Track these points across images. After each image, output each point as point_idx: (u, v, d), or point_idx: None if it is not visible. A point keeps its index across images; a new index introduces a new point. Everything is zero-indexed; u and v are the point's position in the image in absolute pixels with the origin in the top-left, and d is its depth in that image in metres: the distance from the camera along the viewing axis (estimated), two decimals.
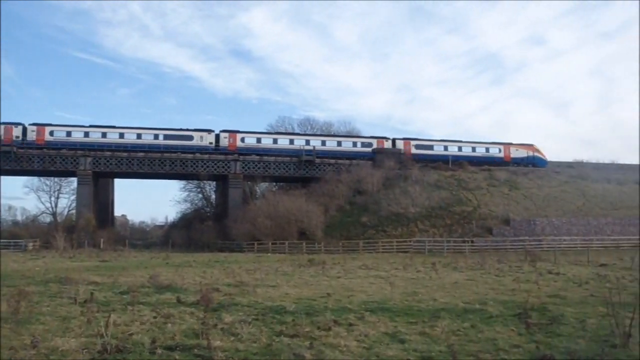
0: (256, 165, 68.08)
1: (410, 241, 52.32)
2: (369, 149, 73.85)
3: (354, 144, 74.78)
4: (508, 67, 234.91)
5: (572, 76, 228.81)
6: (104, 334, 9.78)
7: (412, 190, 60.86)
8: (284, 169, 69.09)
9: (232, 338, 10.42)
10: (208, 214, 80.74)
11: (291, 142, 72.77)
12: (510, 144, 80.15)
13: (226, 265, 32.78)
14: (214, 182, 79.60)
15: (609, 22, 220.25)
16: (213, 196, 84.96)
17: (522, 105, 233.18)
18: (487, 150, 78.52)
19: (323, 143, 73.82)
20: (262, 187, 77.16)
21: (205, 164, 67.03)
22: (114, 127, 69.52)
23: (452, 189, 62.82)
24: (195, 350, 9.37)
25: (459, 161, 73.06)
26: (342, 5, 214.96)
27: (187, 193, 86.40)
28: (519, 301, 15.26)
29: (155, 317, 12.94)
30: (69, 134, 68.18)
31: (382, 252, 49.82)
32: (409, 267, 30.93)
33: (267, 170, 68.25)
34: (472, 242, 52.48)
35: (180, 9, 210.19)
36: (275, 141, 72.16)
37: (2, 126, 66.26)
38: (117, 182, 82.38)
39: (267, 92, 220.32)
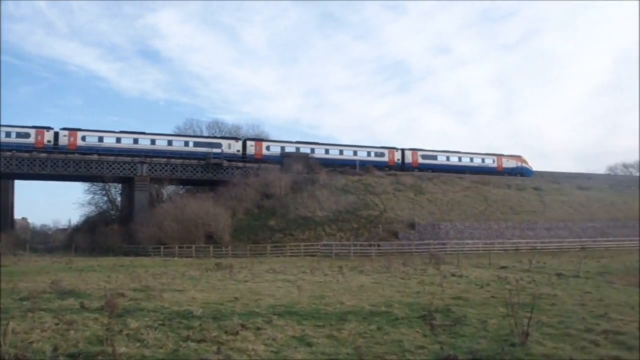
0: (163, 168, 66.96)
1: (317, 245, 52.60)
2: (384, 159, 78.40)
3: (368, 154, 78.31)
4: (415, 74, 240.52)
5: (475, 85, 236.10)
6: (2, 343, 9.41)
7: (320, 194, 61.27)
8: (192, 171, 68.18)
9: (138, 344, 10.25)
10: (113, 217, 78.73)
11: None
12: (502, 155, 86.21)
13: (132, 270, 32.08)
14: (120, 185, 77.95)
15: (510, 35, 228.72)
16: (119, 199, 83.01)
17: (428, 112, 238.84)
18: (483, 160, 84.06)
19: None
20: (169, 189, 75.90)
21: (110, 165, 65.40)
22: (144, 133, 69.90)
23: (359, 193, 63.53)
24: (100, 357, 9.19)
25: (460, 171, 78.73)
26: (252, 8, 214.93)
27: (91, 195, 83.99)
28: (424, 303, 15.60)
29: (57, 324, 12.54)
30: (100, 139, 67.52)
31: (290, 255, 49.82)
32: (317, 271, 31.07)
33: (174, 173, 67.24)
34: (378, 245, 53.21)
35: (87, 7, 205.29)
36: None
37: (34, 130, 65.67)
38: (17, 183, 79.51)
39: (175, 94, 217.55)
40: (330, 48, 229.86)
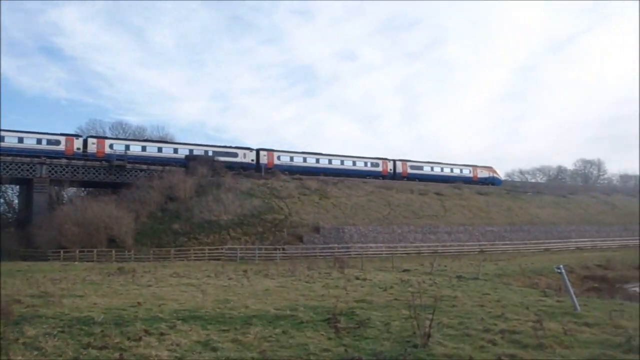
0: (64, 169, 64.82)
1: (222, 249, 52.19)
2: (378, 169, 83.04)
3: (365, 164, 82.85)
4: (321, 80, 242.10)
5: (380, 91, 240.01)
6: None
7: (225, 198, 60.77)
8: (94, 173, 66.28)
9: (36, 353, 9.92)
10: (10, 220, 75.85)
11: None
12: (477, 166, 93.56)
13: (29, 275, 30.91)
14: (18, 187, 75.12)
15: (414, 43, 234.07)
16: (16, 201, 79.97)
17: (334, 117, 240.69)
18: (462, 171, 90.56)
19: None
20: (69, 192, 73.66)
21: (8, 166, 62.81)
22: (166, 142, 74.56)
23: (264, 197, 63.40)
24: None
25: (443, 180, 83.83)
26: (161, 9, 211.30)
27: None
28: (329, 306, 15.74)
29: None
30: (127, 147, 69.36)
31: (194, 259, 49.24)
32: (221, 275, 30.88)
33: (75, 175, 65.18)
34: (283, 249, 53.29)
35: None
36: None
37: (64, 137, 66.67)
38: None
39: (78, 94, 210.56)
40: (238, 51, 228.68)
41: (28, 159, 63.01)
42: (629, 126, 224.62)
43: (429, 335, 10.49)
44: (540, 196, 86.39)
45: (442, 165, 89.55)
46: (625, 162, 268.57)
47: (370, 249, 55.77)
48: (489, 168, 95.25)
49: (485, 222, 70.78)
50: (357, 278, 28.11)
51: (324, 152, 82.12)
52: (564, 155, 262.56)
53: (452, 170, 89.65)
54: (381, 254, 54.56)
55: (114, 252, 50.21)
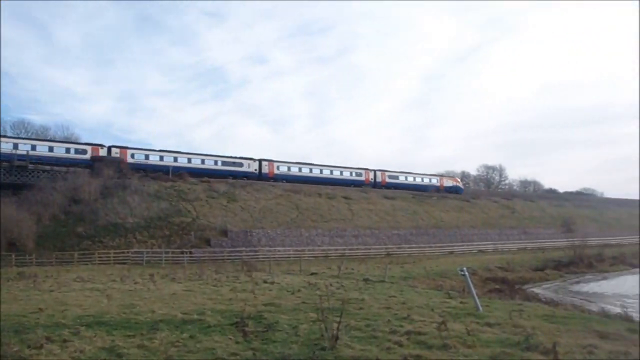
0: None
1: (128, 252, 51.16)
2: (362, 178, 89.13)
3: (351, 174, 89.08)
4: (231, 83, 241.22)
5: (290, 95, 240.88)
6: None
7: (131, 200, 59.53)
8: None
9: None
10: None
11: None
12: (443, 176, 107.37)
13: None
14: None
15: (325, 49, 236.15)
16: None
17: (244, 120, 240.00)
18: (430, 180, 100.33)
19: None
20: None
21: None
22: (180, 152, 76.72)
23: (171, 199, 62.44)
24: None
25: (415, 188, 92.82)
26: (67, 5, 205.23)
27: None
28: (236, 310, 15.68)
29: None
30: (147, 157, 72.81)
31: (99, 263, 48.05)
32: (127, 279, 30.31)
33: None
34: (190, 253, 52.71)
35: None
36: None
37: (90, 147, 69.76)
38: None
39: None
40: (148, 51, 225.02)
41: None
42: (529, 134, 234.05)
43: (336, 338, 10.59)
44: (444, 200, 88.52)
45: (414, 175, 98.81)
46: (525, 168, 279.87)
47: (278, 253, 55.88)
48: (453, 178, 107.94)
49: (392, 225, 71.97)
50: (265, 281, 28.09)
51: (316, 163, 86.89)
52: (468, 161, 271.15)
53: (422, 180, 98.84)
54: (289, 257, 54.76)
55: (13, 256, 48.35)
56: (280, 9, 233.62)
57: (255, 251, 55.09)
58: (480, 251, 71.17)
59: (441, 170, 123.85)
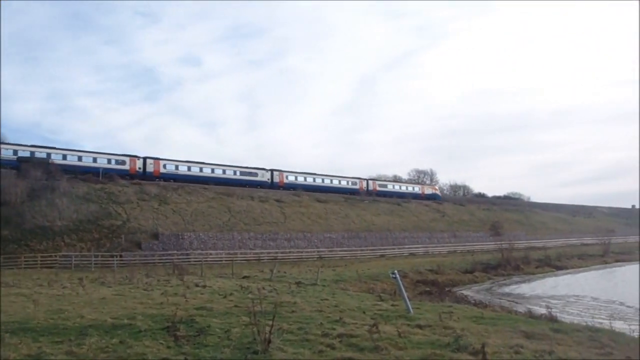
0: None
1: (56, 256, 49.91)
2: (356, 187, 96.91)
3: (347, 182, 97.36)
4: (164, 84, 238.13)
5: (222, 98, 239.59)
6: None
7: (60, 203, 58.03)
8: None
9: None
10: None
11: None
12: (424, 184, 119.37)
13: None
14: None
15: (259, 52, 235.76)
16: None
17: (176, 122, 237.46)
18: (414, 189, 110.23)
19: (323, 180, 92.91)
20: None
21: None
22: (203, 163, 79.83)
23: (102, 202, 61.15)
24: None
25: (400, 196, 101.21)
26: None
27: None
28: (168, 314, 15.51)
29: None
30: (177, 167, 77.02)
31: (25, 268, 46.63)
32: (55, 284, 29.61)
33: None
34: (120, 256, 51.79)
35: None
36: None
37: (128, 158, 73.53)
38: None
39: None
40: (78, 50, 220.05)
41: None
42: (459, 139, 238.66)
43: (269, 341, 10.60)
44: (376, 204, 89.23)
45: (400, 184, 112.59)
46: (455, 173, 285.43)
47: (210, 256, 55.49)
48: (432, 187, 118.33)
49: (324, 229, 72.24)
50: (197, 285, 27.88)
51: (318, 172, 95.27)
52: (399, 165, 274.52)
53: (407, 188, 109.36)
54: (221, 260, 54.46)
55: None
56: (214, 10, 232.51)
57: (187, 254, 54.56)
58: (411, 254, 72.08)
59: (373, 174, 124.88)
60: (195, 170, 77.19)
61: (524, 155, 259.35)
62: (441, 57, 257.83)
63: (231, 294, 22.93)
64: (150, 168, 73.89)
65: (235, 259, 53.29)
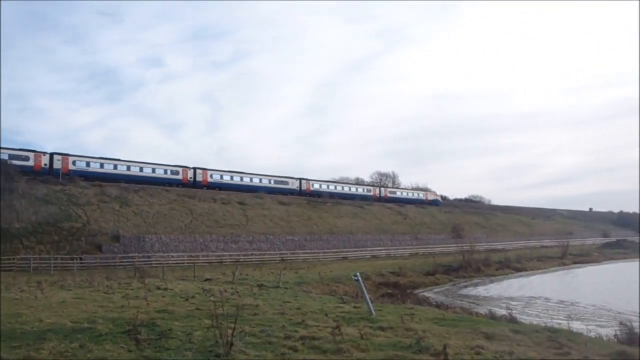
0: None
1: (14, 259, 49.02)
2: (371, 193, 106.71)
3: (363, 190, 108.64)
4: (126, 85, 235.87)
5: (185, 100, 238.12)
6: None
7: (18, 204, 57.08)
8: None
9: None
10: None
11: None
12: (428, 191, 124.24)
13: None
14: None
15: (221, 54, 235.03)
16: None
17: (137, 124, 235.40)
18: (419, 195, 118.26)
19: (342, 188, 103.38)
20: None
21: None
22: (244, 172, 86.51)
23: (61, 204, 60.27)
24: None
25: (408, 202, 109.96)
26: None
27: None
28: (129, 318, 15.37)
29: None
30: (221, 176, 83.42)
31: None
32: (12, 287, 29.06)
33: None
34: (80, 259, 51.11)
35: None
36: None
37: (181, 169, 78.76)
38: None
39: None
40: (37, 50, 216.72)
41: None
42: (421, 142, 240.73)
43: (231, 344, 10.57)
44: (339, 206, 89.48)
45: (408, 191, 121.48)
46: (417, 175, 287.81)
47: (172, 258, 55.08)
48: (434, 193, 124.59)
49: (286, 231, 72.19)
50: (159, 288, 27.66)
51: (339, 181, 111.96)
52: (361, 167, 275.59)
53: (414, 194, 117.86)
54: (183, 263, 54.09)
55: None
56: (177, 11, 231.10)
57: (149, 257, 54.02)
58: (373, 256, 72.41)
59: (336, 176, 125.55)
60: (236, 180, 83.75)
61: (485, 158, 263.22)
62: (403, 61, 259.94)
63: (193, 297, 22.79)
64: (199, 177, 79.39)
65: (197, 261, 52.87)
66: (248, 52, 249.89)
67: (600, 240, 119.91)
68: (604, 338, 16.57)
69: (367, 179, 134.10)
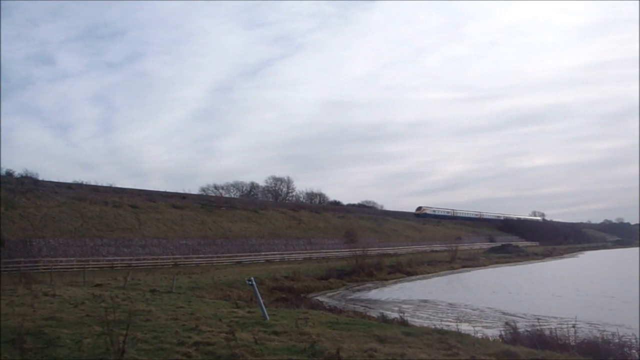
0: None
1: None
2: None
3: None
4: (12, 82, 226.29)
5: (76, 100, 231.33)
6: None
7: None
8: None
9: None
10: None
11: None
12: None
13: None
14: None
15: (115, 54, 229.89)
16: None
17: (24, 124, 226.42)
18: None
19: None
20: None
21: None
22: None
23: None
24: None
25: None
26: None
27: None
28: (13, 326, 14.77)
29: None
30: None
31: None
32: None
33: None
34: None
35: None
36: None
37: None
38: None
39: None
40: None
41: None
42: (313, 148, 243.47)
43: (122, 352, 10.35)
44: (233, 211, 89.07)
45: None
46: (311, 181, 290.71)
47: (61, 263, 53.28)
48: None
49: (180, 235, 71.25)
50: (46, 294, 26.73)
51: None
52: (256, 172, 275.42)
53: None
54: (72, 268, 52.46)
55: None
56: (70, 9, 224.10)
57: (36, 262, 52.06)
58: (267, 261, 72.49)
59: (229, 181, 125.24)
60: None
61: (378, 165, 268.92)
62: (299, 67, 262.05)
63: (83, 303, 22.17)
64: None
65: (87, 266, 51.43)
66: (144, 53, 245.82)
67: (487, 245, 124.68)
68: (490, 338, 17.24)
69: (262, 183, 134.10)
